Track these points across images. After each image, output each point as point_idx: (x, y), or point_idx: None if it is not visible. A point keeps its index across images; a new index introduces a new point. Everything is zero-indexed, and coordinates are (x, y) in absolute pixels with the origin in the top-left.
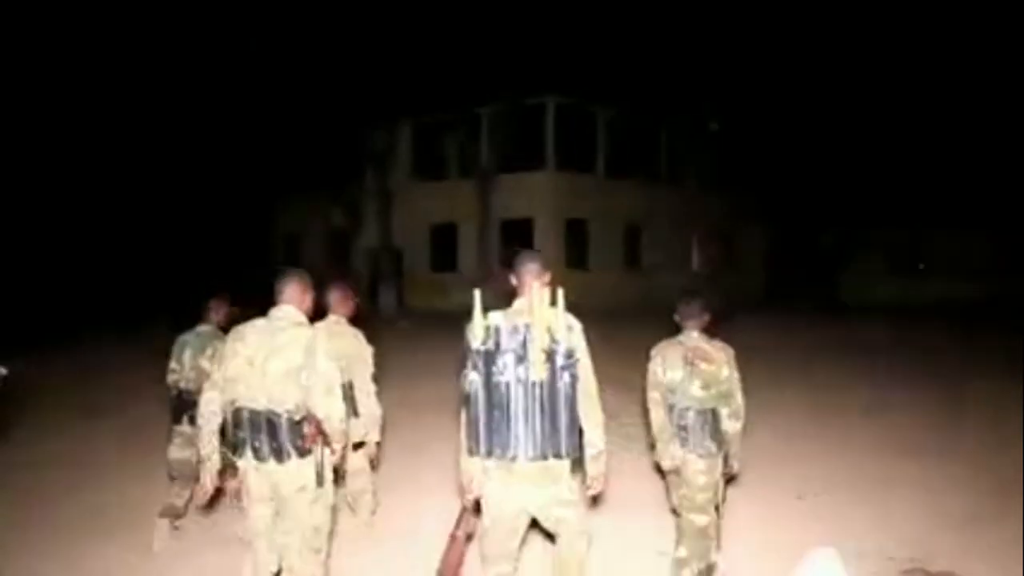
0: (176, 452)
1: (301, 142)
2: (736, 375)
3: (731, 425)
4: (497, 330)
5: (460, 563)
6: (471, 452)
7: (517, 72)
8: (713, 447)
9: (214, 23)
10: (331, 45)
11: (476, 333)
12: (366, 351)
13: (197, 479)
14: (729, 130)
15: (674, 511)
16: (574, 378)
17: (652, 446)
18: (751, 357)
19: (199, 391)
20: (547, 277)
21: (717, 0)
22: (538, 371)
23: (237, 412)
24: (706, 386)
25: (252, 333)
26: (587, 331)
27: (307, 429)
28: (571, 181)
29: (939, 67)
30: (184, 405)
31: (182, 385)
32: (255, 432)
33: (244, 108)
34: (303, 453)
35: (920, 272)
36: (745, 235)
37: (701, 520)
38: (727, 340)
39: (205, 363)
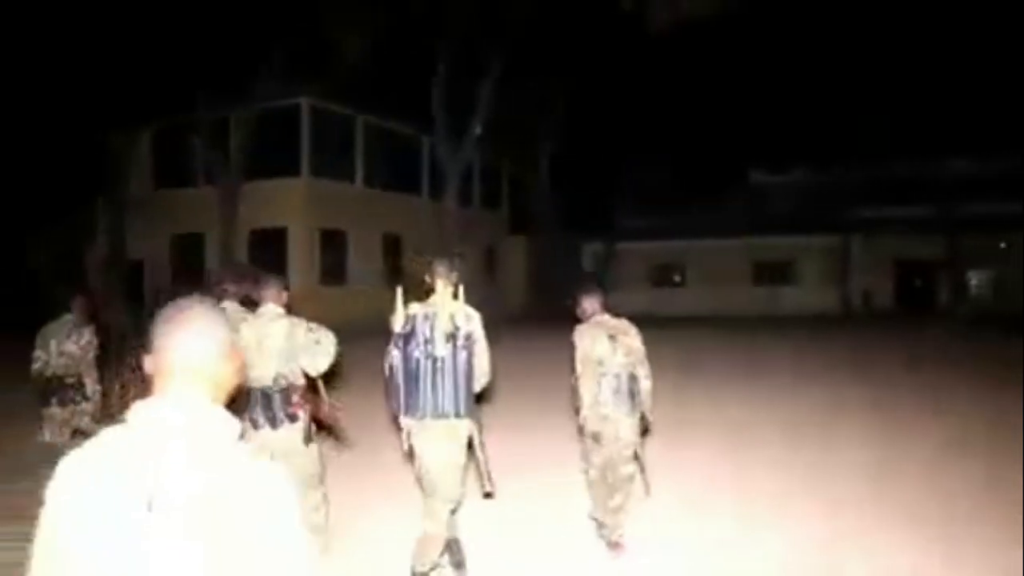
0: (48, 434)
1: (28, 156)
2: (640, 343)
3: (646, 384)
4: (413, 317)
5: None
6: (396, 412)
7: (268, 72)
8: (633, 407)
9: None
10: (58, 45)
11: (398, 320)
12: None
13: None
14: (494, 139)
15: (585, 472)
16: (470, 355)
17: (577, 411)
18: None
19: (67, 375)
20: (455, 278)
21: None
22: (440, 349)
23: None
24: (627, 354)
25: (245, 327)
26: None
27: (295, 399)
28: (327, 189)
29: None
30: (53, 390)
31: (49, 371)
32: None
33: None
34: (293, 419)
35: (678, 284)
36: (507, 248)
37: (630, 469)
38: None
39: (71, 346)
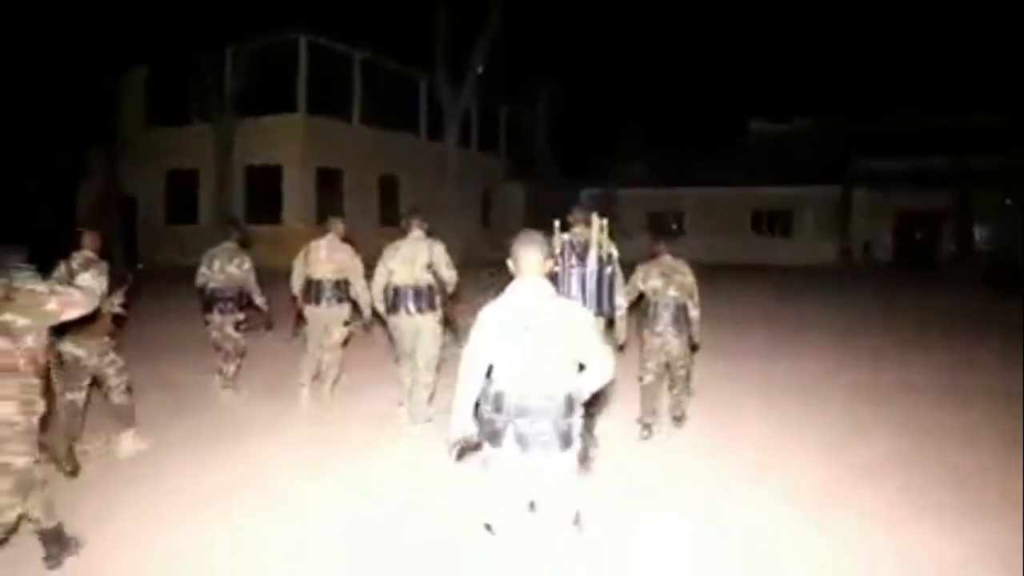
0: (213, 334)
1: (23, 92)
2: (693, 279)
3: (694, 313)
4: (568, 242)
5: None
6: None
7: (265, 7)
8: (680, 330)
9: None
10: None
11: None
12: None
13: (229, 351)
14: (493, 81)
15: (640, 378)
16: (613, 272)
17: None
18: None
19: (225, 289)
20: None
21: None
22: (592, 264)
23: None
24: (679, 288)
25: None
26: None
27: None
28: (324, 127)
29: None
30: (213, 300)
31: (211, 285)
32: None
33: None
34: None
35: (675, 231)
36: (504, 193)
37: (681, 372)
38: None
39: (231, 268)
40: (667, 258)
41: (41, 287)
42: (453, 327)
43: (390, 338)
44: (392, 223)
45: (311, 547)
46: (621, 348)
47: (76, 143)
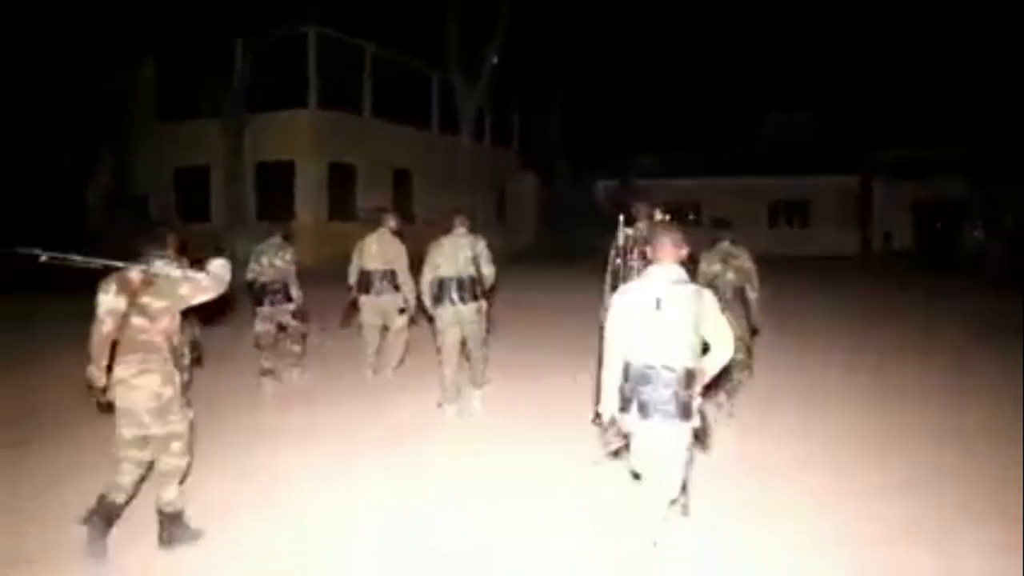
0: (259, 327)
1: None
2: (752, 264)
3: (752, 295)
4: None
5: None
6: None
7: (275, 0)
8: (739, 313)
9: None
10: None
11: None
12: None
13: (294, 336)
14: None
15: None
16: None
17: None
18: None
19: (274, 282)
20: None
21: None
22: None
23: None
24: (737, 272)
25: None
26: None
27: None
28: (336, 121)
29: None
30: (264, 293)
31: (261, 279)
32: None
33: None
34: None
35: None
36: (518, 185)
37: (739, 356)
38: None
39: (278, 261)
40: (725, 244)
41: (176, 273)
42: (489, 318)
43: (434, 335)
44: (406, 218)
45: (341, 553)
46: None
47: (84, 140)
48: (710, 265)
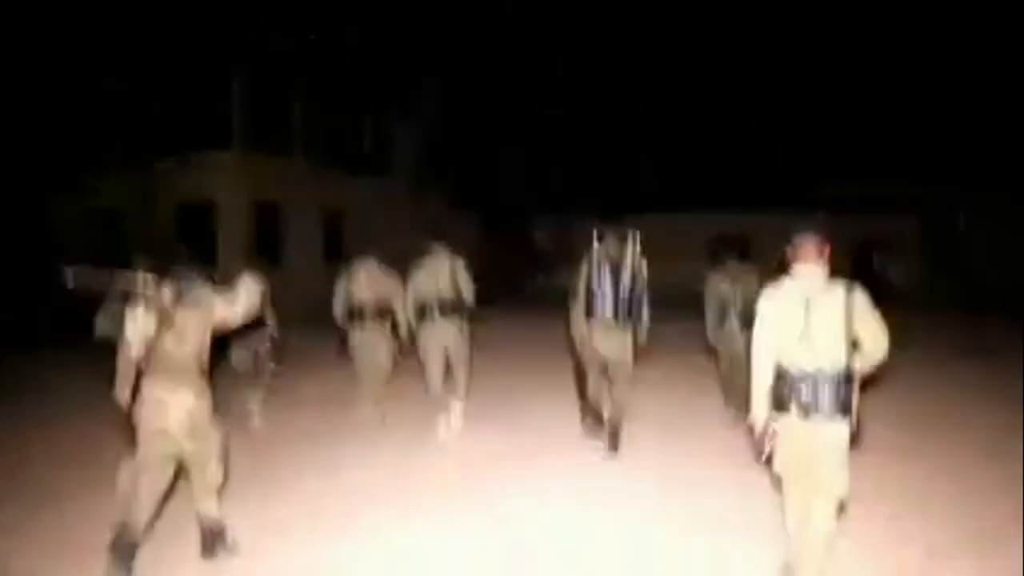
0: (235, 356)
1: None
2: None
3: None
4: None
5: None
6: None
7: (196, 41)
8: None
9: None
10: None
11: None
12: None
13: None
14: (442, 116)
15: (718, 367)
16: (642, 286)
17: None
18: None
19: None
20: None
21: None
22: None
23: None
24: (745, 289)
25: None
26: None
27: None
28: (261, 162)
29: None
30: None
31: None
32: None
33: None
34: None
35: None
36: (456, 224)
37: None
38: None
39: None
40: (734, 263)
41: (207, 292)
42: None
43: (419, 357)
44: (337, 263)
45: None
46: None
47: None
48: (719, 284)
